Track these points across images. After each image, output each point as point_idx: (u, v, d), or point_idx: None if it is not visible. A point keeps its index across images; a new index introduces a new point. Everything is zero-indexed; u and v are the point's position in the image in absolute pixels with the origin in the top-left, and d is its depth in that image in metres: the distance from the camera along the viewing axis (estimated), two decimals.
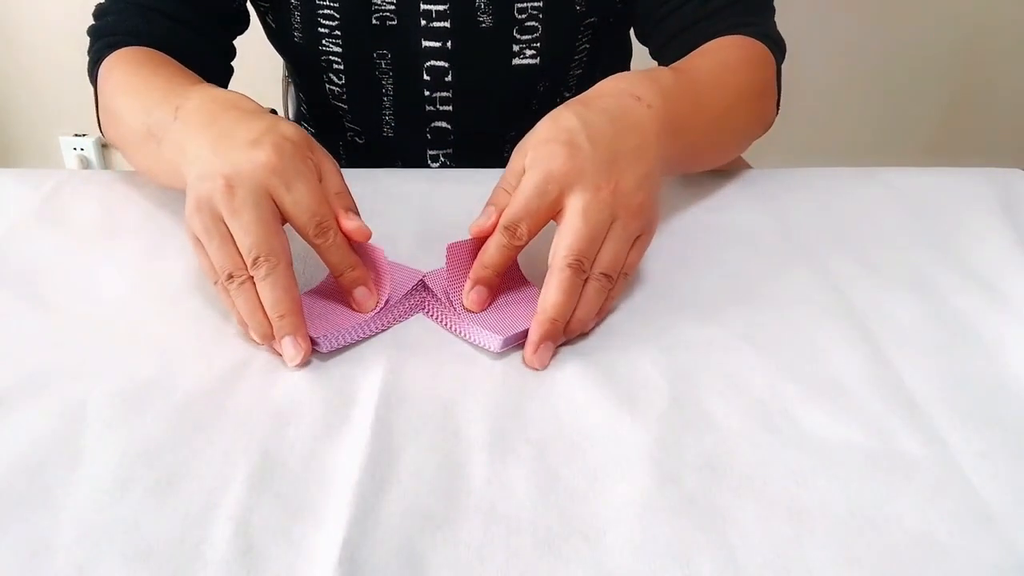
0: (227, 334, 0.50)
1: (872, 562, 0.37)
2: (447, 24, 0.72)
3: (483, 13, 0.72)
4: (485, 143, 0.81)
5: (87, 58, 0.69)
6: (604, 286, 0.49)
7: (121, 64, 0.64)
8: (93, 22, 0.69)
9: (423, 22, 0.72)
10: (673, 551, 0.37)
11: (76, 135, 1.83)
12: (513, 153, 0.52)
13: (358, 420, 0.43)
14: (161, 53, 0.65)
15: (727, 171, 0.69)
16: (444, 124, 0.79)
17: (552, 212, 0.49)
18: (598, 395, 0.45)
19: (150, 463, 0.41)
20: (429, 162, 0.82)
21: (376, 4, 0.71)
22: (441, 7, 0.72)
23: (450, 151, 0.81)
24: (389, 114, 0.79)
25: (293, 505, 0.39)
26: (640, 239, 0.51)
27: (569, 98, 0.82)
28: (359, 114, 0.81)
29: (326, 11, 0.72)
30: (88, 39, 0.69)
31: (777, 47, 0.68)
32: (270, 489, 0.40)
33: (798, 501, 0.40)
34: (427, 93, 0.76)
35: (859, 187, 0.66)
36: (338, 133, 0.85)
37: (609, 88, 0.53)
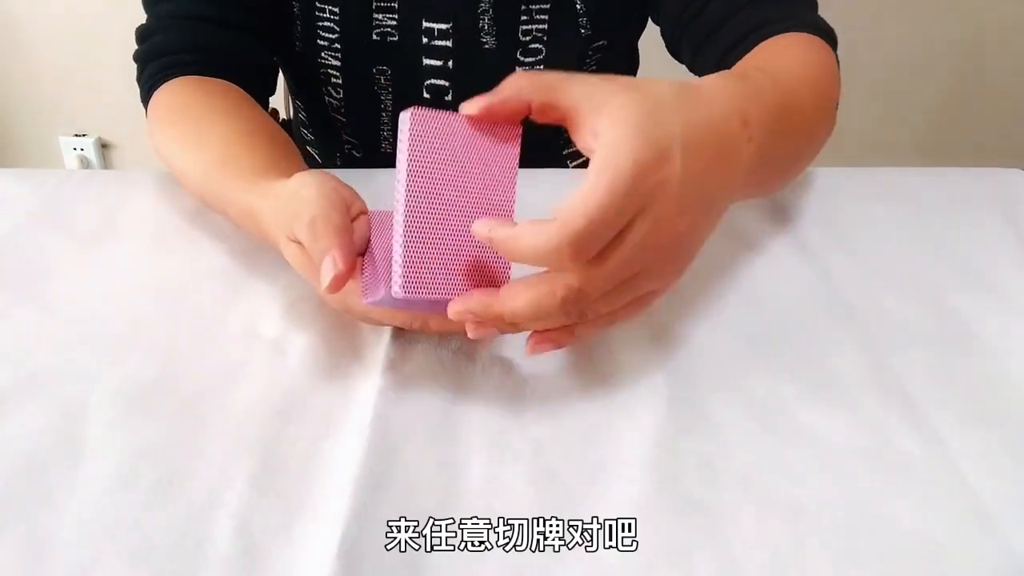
0: (227, 334, 0.50)
1: (870, 561, 0.37)
2: (449, 43, 0.72)
3: (486, 34, 0.71)
4: None
5: (137, 87, 0.67)
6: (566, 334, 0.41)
7: (174, 109, 0.63)
8: (137, 46, 0.68)
9: (425, 40, 0.72)
10: (671, 550, 0.37)
11: (76, 135, 1.83)
12: (585, 110, 0.39)
13: (357, 418, 0.43)
14: (215, 88, 0.64)
15: None
16: None
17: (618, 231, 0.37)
18: (597, 394, 0.46)
19: (151, 462, 0.41)
20: None
21: (377, 20, 0.71)
22: (444, 26, 0.71)
23: None
24: (387, 130, 0.79)
25: (294, 503, 0.39)
26: (649, 296, 0.41)
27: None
28: (357, 128, 0.80)
29: (326, 23, 0.71)
30: (135, 66, 0.67)
31: (832, 40, 0.64)
32: (271, 488, 0.40)
33: (796, 500, 0.40)
34: None
35: (859, 187, 0.66)
36: (336, 145, 0.84)
37: (720, 94, 0.42)
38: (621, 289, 0.39)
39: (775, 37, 0.60)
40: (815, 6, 0.66)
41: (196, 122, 0.62)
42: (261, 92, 0.70)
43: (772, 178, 0.54)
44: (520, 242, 0.36)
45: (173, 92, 0.64)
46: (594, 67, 0.76)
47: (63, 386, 0.46)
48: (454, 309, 0.40)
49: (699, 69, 0.68)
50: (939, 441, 0.43)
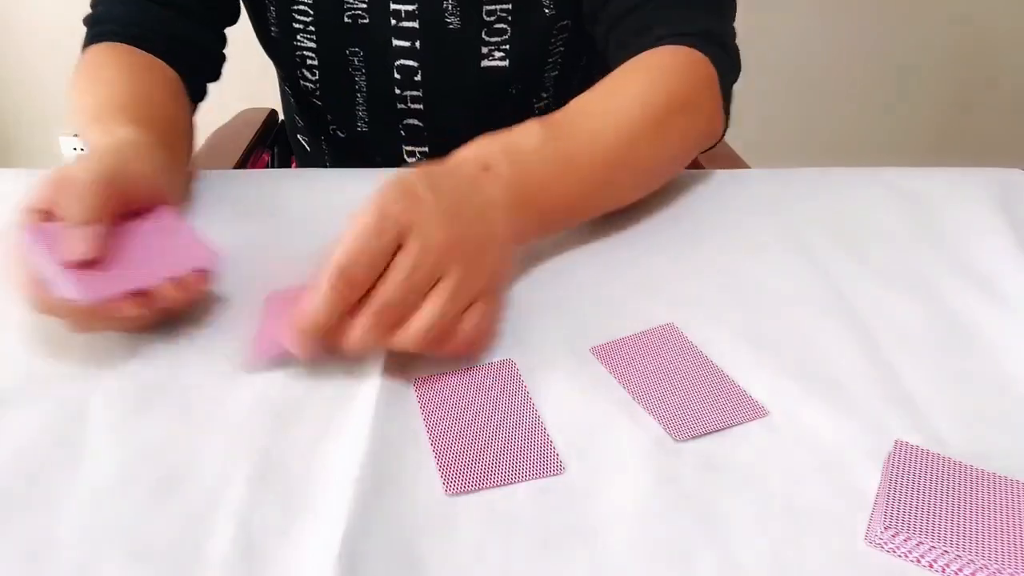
0: (228, 334, 0.50)
1: (870, 561, 0.37)
2: (415, 24, 0.74)
3: (451, 15, 0.73)
4: (460, 141, 0.82)
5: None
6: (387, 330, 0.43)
7: (87, 64, 0.69)
8: (89, 11, 0.72)
9: (393, 21, 0.74)
10: (671, 550, 0.37)
11: (76, 135, 1.83)
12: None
13: (357, 418, 0.43)
14: (125, 54, 0.69)
15: (726, 171, 0.69)
16: (416, 122, 0.80)
17: (389, 257, 0.44)
18: (597, 394, 0.46)
19: (151, 463, 0.41)
20: (406, 157, 0.83)
21: (348, 3, 0.73)
22: (409, 7, 0.73)
23: (426, 148, 0.82)
24: (363, 110, 0.81)
25: (294, 504, 0.39)
26: (479, 305, 0.46)
27: (547, 99, 0.82)
28: (334, 109, 0.83)
29: (301, 7, 0.74)
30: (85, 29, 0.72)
31: (723, 51, 0.63)
32: (271, 488, 0.40)
33: (796, 500, 0.40)
34: (398, 91, 0.78)
35: (859, 187, 0.66)
36: (321, 128, 0.87)
37: (460, 156, 0.52)
38: (432, 297, 0.44)
39: (653, 50, 0.62)
40: (725, 15, 0.67)
41: (96, 70, 0.67)
42: (198, 75, 0.74)
43: (570, 206, 0.56)
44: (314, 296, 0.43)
45: (96, 52, 0.69)
46: (560, 47, 0.78)
47: (63, 386, 0.46)
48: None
49: (607, 55, 0.69)
50: (939, 441, 0.43)
